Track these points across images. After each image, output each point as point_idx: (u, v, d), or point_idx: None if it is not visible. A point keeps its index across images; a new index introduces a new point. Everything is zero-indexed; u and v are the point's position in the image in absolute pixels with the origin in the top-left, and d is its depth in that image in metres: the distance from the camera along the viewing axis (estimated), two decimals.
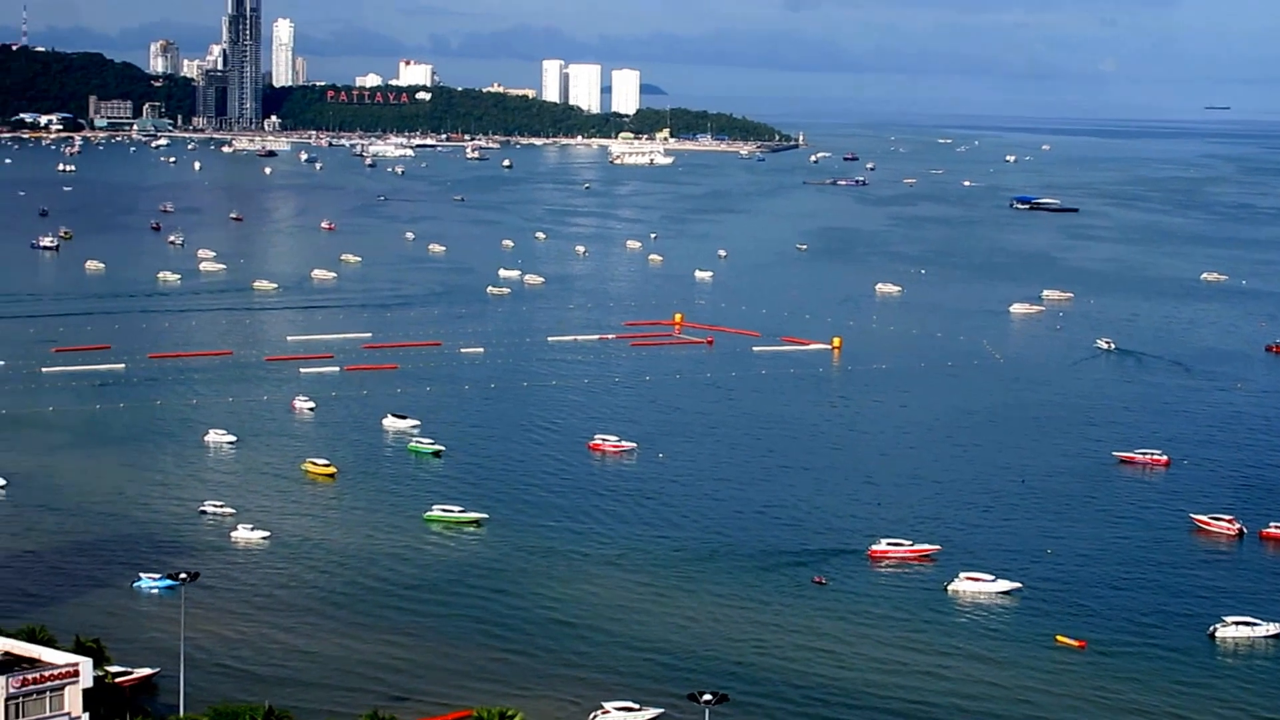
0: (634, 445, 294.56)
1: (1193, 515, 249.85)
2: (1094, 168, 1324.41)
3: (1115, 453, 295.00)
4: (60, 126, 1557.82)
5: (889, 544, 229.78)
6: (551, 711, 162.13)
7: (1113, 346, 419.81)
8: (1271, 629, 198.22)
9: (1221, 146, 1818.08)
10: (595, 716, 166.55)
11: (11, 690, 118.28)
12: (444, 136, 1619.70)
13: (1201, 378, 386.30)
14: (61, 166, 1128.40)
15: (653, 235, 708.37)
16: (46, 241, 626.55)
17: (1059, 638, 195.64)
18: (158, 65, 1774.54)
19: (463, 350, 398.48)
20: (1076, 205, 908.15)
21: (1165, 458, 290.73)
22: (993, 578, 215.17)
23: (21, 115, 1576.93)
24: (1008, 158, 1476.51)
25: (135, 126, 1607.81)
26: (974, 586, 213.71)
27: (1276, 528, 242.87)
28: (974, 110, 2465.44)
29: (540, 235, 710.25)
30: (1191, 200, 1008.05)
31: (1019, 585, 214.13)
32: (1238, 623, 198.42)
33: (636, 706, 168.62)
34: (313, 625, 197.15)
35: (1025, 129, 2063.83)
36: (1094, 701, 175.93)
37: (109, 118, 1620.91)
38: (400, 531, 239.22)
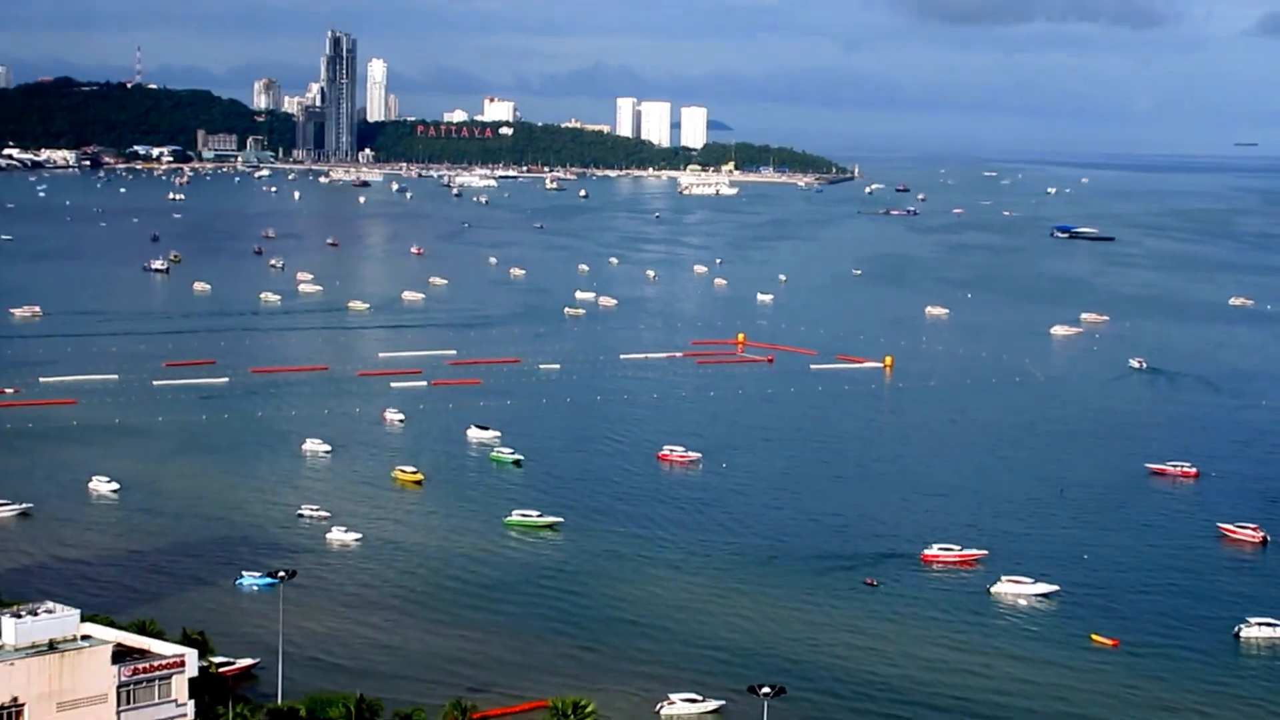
0: (699, 456, 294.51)
1: (1219, 524, 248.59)
2: (1129, 200, 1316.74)
3: (1147, 464, 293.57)
4: (170, 158, 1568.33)
5: (940, 549, 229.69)
6: (621, 703, 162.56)
7: (1145, 365, 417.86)
8: None
9: (1249, 180, 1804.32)
10: (661, 707, 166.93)
11: (123, 679, 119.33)
12: (525, 168, 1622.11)
13: (1229, 395, 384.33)
14: (171, 195, 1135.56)
15: (718, 260, 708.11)
16: (158, 265, 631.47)
17: (1094, 637, 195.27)
18: (261, 101, 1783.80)
19: (541, 367, 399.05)
20: (1113, 234, 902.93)
21: (1194, 469, 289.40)
22: (1032, 580, 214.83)
23: (135, 148, 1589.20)
24: (1049, 190, 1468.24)
25: (240, 158, 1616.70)
26: (1015, 589, 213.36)
27: None
28: (1018, 145, 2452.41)
29: (614, 260, 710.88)
30: (1220, 230, 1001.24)
31: (1057, 588, 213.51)
32: (1261, 624, 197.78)
33: (699, 698, 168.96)
34: (400, 621, 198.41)
35: (1066, 163, 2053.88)
36: (1126, 698, 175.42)
37: (215, 150, 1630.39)
38: (482, 535, 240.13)
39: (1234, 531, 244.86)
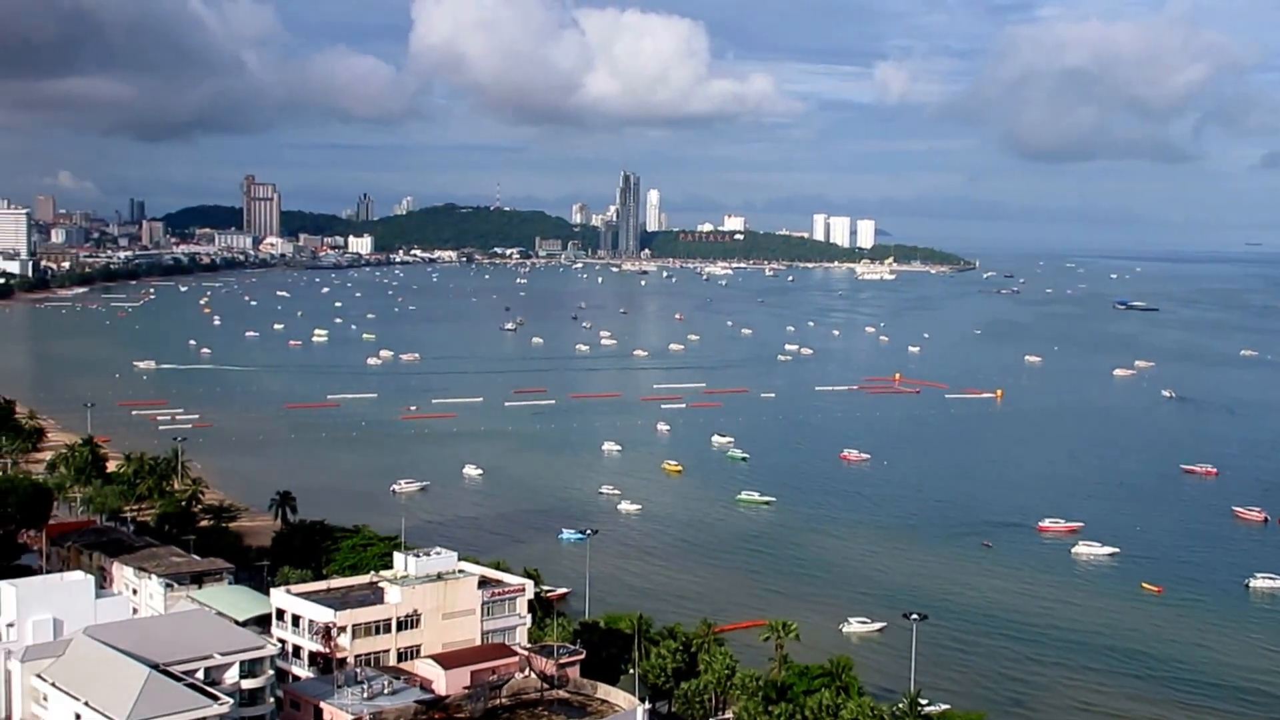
0: (869, 456, 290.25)
1: (1234, 507, 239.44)
2: (1169, 282, 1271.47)
3: (1181, 465, 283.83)
4: (517, 256, 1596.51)
5: (1050, 521, 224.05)
6: (814, 623, 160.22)
7: (1174, 395, 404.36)
8: None
9: (1257, 269, 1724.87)
10: (841, 626, 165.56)
11: (485, 599, 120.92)
12: (751, 261, 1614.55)
13: (1239, 417, 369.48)
14: (518, 280, 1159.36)
15: (881, 324, 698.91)
16: (509, 326, 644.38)
17: (1144, 585, 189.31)
18: (576, 218, 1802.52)
19: (762, 395, 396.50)
20: (1157, 306, 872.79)
21: (1215, 469, 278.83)
22: (1100, 544, 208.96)
23: (495, 249, 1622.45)
24: (1112, 275, 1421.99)
25: (562, 255, 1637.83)
26: (1089, 550, 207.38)
27: None
28: (1089, 245, 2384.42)
29: (811, 323, 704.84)
30: (1234, 303, 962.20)
31: (1118, 549, 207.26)
32: (1264, 578, 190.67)
33: (868, 620, 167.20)
34: (666, 564, 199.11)
35: (1123, 258, 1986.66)
36: (1167, 628, 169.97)
37: (547, 250, 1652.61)
38: (721, 508, 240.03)
39: (1244, 513, 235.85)
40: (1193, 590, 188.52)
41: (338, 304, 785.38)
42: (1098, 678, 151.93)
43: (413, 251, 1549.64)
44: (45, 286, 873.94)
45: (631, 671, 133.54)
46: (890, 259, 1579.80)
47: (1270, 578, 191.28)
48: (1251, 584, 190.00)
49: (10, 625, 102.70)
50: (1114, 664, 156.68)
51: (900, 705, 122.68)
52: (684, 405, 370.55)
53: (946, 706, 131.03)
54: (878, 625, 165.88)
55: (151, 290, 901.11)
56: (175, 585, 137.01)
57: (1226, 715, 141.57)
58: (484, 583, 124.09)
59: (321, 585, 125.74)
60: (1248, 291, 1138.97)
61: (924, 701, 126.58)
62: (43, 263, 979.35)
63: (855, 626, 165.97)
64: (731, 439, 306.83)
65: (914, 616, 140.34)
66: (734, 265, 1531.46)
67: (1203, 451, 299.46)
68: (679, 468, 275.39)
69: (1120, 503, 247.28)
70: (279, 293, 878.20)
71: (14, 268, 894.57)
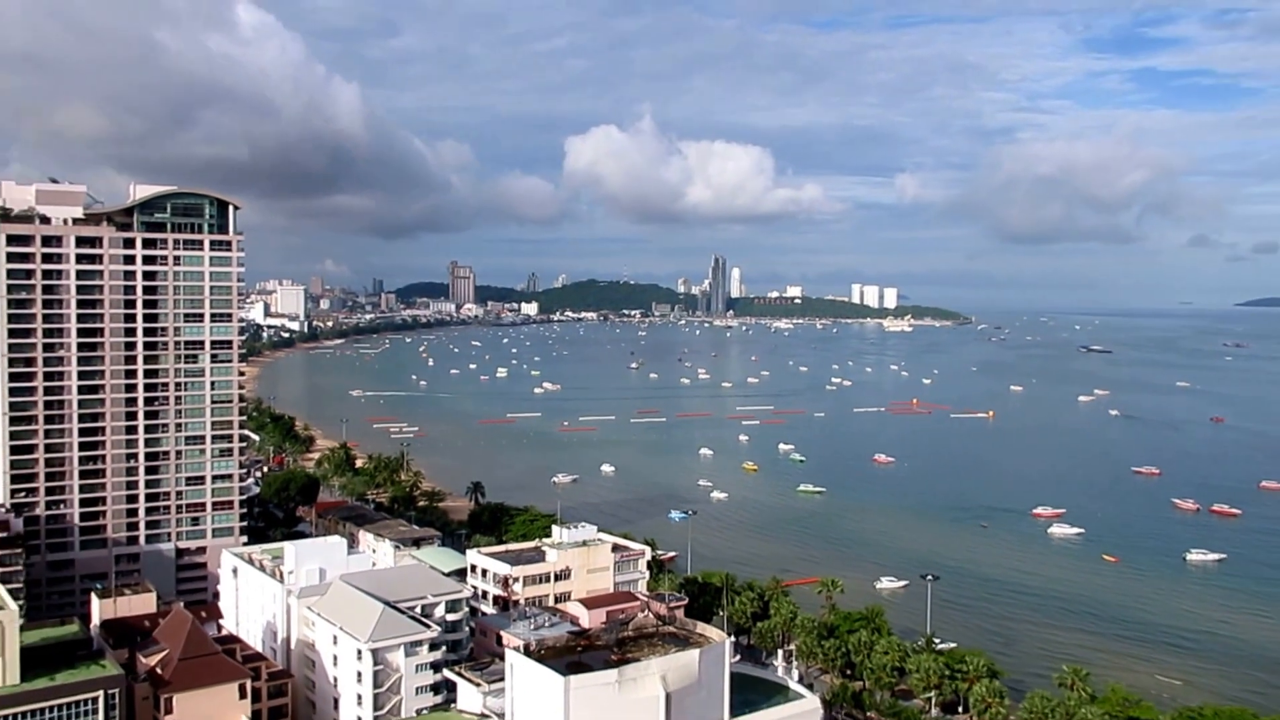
0: (894, 459, 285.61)
1: (1173, 499, 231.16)
2: (1119, 331, 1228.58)
3: (1131, 467, 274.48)
4: (639, 315, 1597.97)
5: (1041, 509, 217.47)
6: (854, 580, 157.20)
7: (1120, 414, 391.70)
8: (1216, 557, 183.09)
9: (1187, 322, 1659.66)
10: (875, 583, 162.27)
11: (616, 559, 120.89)
12: (806, 319, 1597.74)
13: (1177, 431, 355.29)
14: (639, 333, 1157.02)
15: (901, 362, 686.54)
16: (633, 365, 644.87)
17: (1104, 556, 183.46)
18: (681, 288, 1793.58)
19: (815, 414, 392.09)
20: (1111, 349, 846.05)
21: (1158, 470, 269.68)
22: (1071, 525, 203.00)
23: (623, 311, 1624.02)
24: (1076, 327, 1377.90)
25: (671, 315, 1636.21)
26: (1061, 530, 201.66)
27: (1219, 507, 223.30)
28: (1059, 305, 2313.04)
29: (850, 362, 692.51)
30: (1171, 347, 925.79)
31: (1084, 529, 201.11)
32: (1197, 552, 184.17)
33: (896, 579, 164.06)
34: (746, 536, 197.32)
35: (1085, 313, 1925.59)
36: (1122, 592, 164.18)
37: (660, 312, 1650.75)
38: (785, 497, 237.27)
39: (1181, 503, 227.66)
40: (1142, 560, 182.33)
41: (514, 350, 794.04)
42: (1067, 625, 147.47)
43: (565, 313, 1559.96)
44: (315, 339, 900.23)
45: (721, 614, 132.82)
46: (908, 316, 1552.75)
47: (1202, 553, 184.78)
48: (1187, 557, 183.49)
49: (290, 573, 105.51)
50: (1079, 615, 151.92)
51: (919, 643, 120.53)
52: (758, 422, 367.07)
53: (954, 644, 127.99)
54: (902, 583, 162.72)
55: (386, 341, 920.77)
56: (401, 546, 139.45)
57: (1164, 658, 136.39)
58: (615, 548, 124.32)
59: (502, 548, 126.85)
60: (1181, 339, 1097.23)
61: (937, 640, 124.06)
62: (314, 323, 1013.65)
63: (885, 584, 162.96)
64: (793, 446, 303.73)
65: (929, 577, 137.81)
66: (794, 321, 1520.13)
67: (1148, 457, 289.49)
68: (755, 467, 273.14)
69: (1084, 495, 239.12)
70: (473, 343, 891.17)
71: (295, 326, 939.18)
